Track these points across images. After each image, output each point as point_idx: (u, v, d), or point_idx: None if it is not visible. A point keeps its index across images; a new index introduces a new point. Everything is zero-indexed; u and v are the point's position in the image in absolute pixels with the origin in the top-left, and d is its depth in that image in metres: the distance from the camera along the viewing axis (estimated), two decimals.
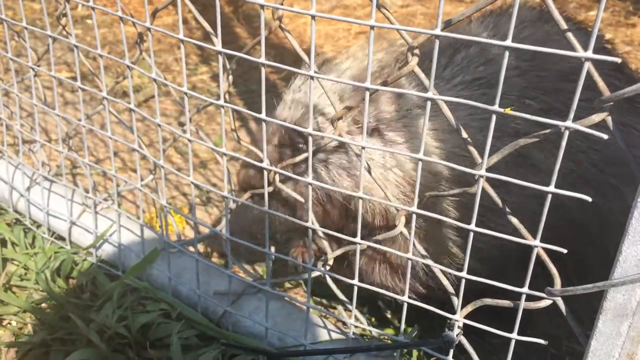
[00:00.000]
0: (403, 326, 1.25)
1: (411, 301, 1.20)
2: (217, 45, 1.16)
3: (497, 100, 0.87)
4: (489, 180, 0.96)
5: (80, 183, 2.09)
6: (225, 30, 3.58)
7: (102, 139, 2.58)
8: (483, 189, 0.96)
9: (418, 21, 3.94)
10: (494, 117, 0.88)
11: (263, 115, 1.15)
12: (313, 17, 0.99)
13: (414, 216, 1.07)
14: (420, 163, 1.01)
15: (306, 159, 1.17)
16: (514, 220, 0.97)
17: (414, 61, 0.97)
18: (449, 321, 1.13)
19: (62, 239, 1.87)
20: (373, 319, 1.72)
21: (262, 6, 1.05)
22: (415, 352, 1.46)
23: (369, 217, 1.34)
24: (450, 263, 1.34)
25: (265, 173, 1.24)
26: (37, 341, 1.52)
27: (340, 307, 1.65)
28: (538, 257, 0.96)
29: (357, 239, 1.19)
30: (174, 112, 2.90)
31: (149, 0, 1.24)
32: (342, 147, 1.30)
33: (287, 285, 1.84)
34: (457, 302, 1.11)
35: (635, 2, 3.90)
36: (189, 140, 1.34)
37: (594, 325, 0.94)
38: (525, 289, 1.00)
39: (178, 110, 2.89)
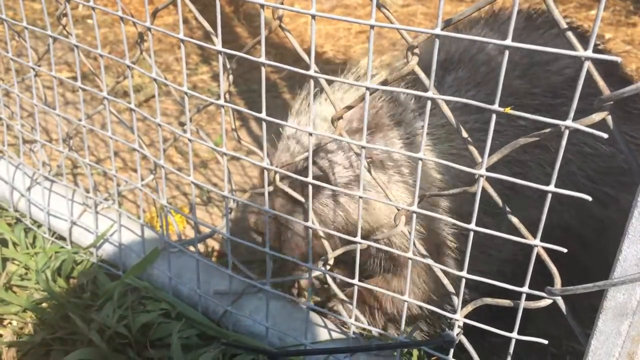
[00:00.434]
0: (403, 326, 1.25)
1: (411, 301, 1.20)
2: (218, 44, 1.16)
3: (497, 100, 0.87)
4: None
5: (80, 183, 2.10)
6: (225, 30, 3.58)
7: (102, 138, 2.58)
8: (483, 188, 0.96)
9: (418, 21, 3.95)
10: (493, 116, 0.89)
11: (263, 115, 1.15)
12: (313, 16, 0.99)
13: (414, 215, 1.07)
14: (420, 162, 1.02)
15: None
16: (514, 220, 0.97)
17: (413, 61, 0.97)
18: (449, 320, 1.13)
19: (62, 238, 1.87)
20: None
21: (262, 5, 1.05)
22: (415, 352, 1.46)
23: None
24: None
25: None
26: (38, 341, 1.52)
27: (340, 307, 1.65)
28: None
29: (358, 239, 1.19)
30: (174, 111, 2.90)
31: (149, 0, 1.24)
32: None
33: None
34: (457, 301, 1.11)
35: (635, 1, 3.90)
36: (190, 140, 1.35)
37: (594, 324, 0.94)
38: (525, 289, 1.00)
39: (178, 110, 2.89)
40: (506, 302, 1.04)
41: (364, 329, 1.45)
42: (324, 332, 1.47)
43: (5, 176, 1.97)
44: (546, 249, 0.94)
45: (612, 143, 1.37)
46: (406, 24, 3.65)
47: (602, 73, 0.82)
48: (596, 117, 0.83)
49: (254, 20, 3.81)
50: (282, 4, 1.10)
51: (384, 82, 1.03)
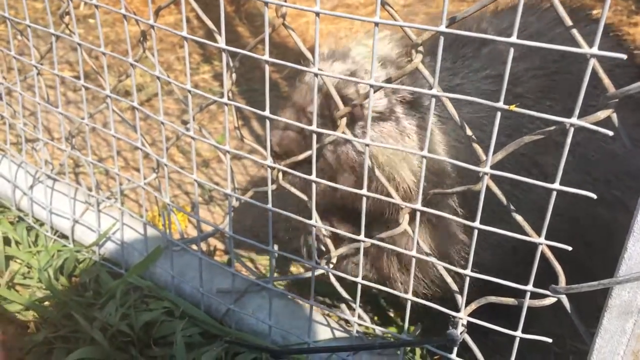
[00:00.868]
0: (406, 324, 1.25)
1: (414, 299, 1.20)
2: (221, 42, 1.16)
3: (502, 97, 0.87)
4: None
5: (83, 181, 2.09)
6: (227, 29, 3.57)
7: (104, 137, 2.58)
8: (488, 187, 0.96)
9: (420, 20, 3.94)
10: (498, 114, 0.88)
11: (267, 113, 1.15)
12: (317, 14, 0.98)
13: (418, 213, 1.07)
14: (424, 160, 1.01)
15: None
16: (519, 217, 0.96)
17: (418, 58, 0.97)
18: (452, 319, 1.13)
19: (65, 237, 1.87)
20: (376, 318, 1.72)
21: (265, 3, 1.05)
22: (418, 350, 1.45)
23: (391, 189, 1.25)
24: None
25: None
26: (40, 339, 1.52)
27: (343, 305, 1.65)
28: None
29: (361, 237, 1.19)
30: (176, 110, 2.90)
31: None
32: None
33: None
34: (461, 300, 1.11)
35: (637, 1, 3.89)
36: (192, 138, 1.34)
37: (599, 322, 0.94)
38: (529, 287, 0.99)
39: (180, 109, 2.89)
40: (510, 301, 1.04)
41: (367, 328, 1.44)
42: (327, 331, 1.47)
43: (7, 175, 1.97)
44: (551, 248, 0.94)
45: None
46: (408, 22, 3.65)
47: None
48: (601, 114, 0.82)
49: (256, 20, 3.81)
50: (285, 1, 1.09)
51: (388, 80, 1.03)
